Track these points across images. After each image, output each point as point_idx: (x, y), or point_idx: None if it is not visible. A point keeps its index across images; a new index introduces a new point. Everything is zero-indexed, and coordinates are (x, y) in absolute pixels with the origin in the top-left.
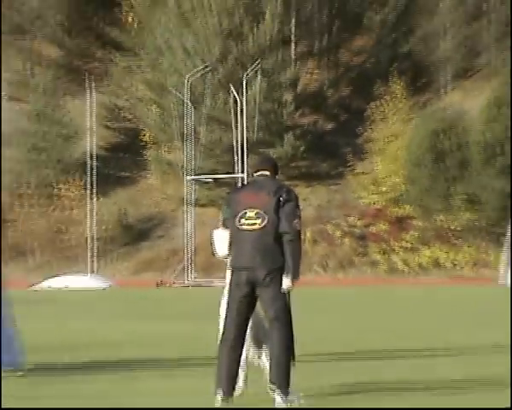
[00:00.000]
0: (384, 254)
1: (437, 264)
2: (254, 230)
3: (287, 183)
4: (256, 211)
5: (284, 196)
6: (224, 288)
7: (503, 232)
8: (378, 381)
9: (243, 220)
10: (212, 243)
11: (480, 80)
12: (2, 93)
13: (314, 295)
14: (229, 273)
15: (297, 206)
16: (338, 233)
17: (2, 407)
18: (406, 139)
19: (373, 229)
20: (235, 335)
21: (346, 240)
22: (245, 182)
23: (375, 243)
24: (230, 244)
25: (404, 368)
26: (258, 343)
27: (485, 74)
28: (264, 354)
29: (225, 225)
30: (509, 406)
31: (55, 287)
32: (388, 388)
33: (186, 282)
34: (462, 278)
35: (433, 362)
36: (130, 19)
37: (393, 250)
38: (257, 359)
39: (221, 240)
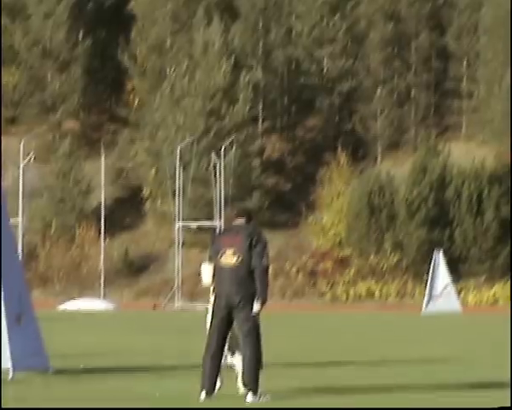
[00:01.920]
0: (329, 285)
1: (371, 295)
2: (232, 265)
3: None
4: (233, 250)
5: (255, 238)
6: (207, 309)
7: (421, 270)
8: (330, 385)
9: (223, 257)
10: (199, 274)
11: (405, 152)
12: (31, 154)
13: (275, 318)
14: (212, 297)
15: (266, 246)
16: (294, 269)
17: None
18: (348, 197)
19: (321, 266)
20: (216, 346)
21: (300, 275)
22: (222, 228)
23: (323, 277)
24: (214, 275)
25: (350, 373)
26: (232, 352)
27: (409, 147)
28: (236, 359)
29: (210, 261)
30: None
31: (72, 309)
32: (349, 389)
33: (175, 306)
34: (390, 306)
35: (367, 374)
36: (133, 100)
37: (337, 283)
38: (231, 363)
39: (207, 272)
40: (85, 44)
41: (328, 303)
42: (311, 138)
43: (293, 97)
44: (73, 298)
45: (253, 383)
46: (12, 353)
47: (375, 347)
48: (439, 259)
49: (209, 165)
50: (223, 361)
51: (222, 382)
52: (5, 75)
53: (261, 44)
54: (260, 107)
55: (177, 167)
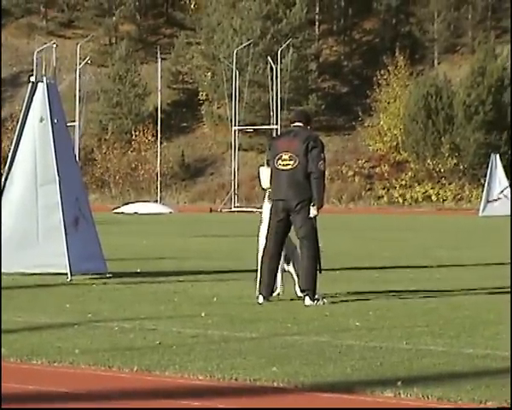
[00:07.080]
0: (386, 189)
1: (427, 198)
2: (288, 169)
3: None
4: (290, 154)
5: (312, 142)
6: (261, 215)
7: (478, 174)
8: (381, 289)
9: (280, 161)
10: (258, 177)
11: (462, 55)
12: (87, 58)
13: (332, 221)
14: (266, 203)
15: (322, 151)
16: (350, 173)
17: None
18: (404, 100)
19: (377, 170)
20: (273, 250)
21: (357, 178)
22: (278, 132)
23: (379, 181)
24: (271, 180)
25: (404, 282)
26: (288, 261)
27: (466, 50)
28: (291, 267)
29: (268, 164)
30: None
31: (128, 212)
32: (393, 295)
33: (232, 209)
34: (447, 210)
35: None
36: (189, 3)
37: (393, 187)
38: (285, 270)
39: (266, 175)
40: None
41: (385, 206)
42: (367, 41)
43: (350, 0)
44: (130, 202)
45: (310, 287)
46: (69, 256)
47: (431, 250)
48: (497, 163)
49: (265, 68)
50: (279, 267)
51: (283, 287)
52: None
53: None
54: (317, 10)
55: (234, 71)
